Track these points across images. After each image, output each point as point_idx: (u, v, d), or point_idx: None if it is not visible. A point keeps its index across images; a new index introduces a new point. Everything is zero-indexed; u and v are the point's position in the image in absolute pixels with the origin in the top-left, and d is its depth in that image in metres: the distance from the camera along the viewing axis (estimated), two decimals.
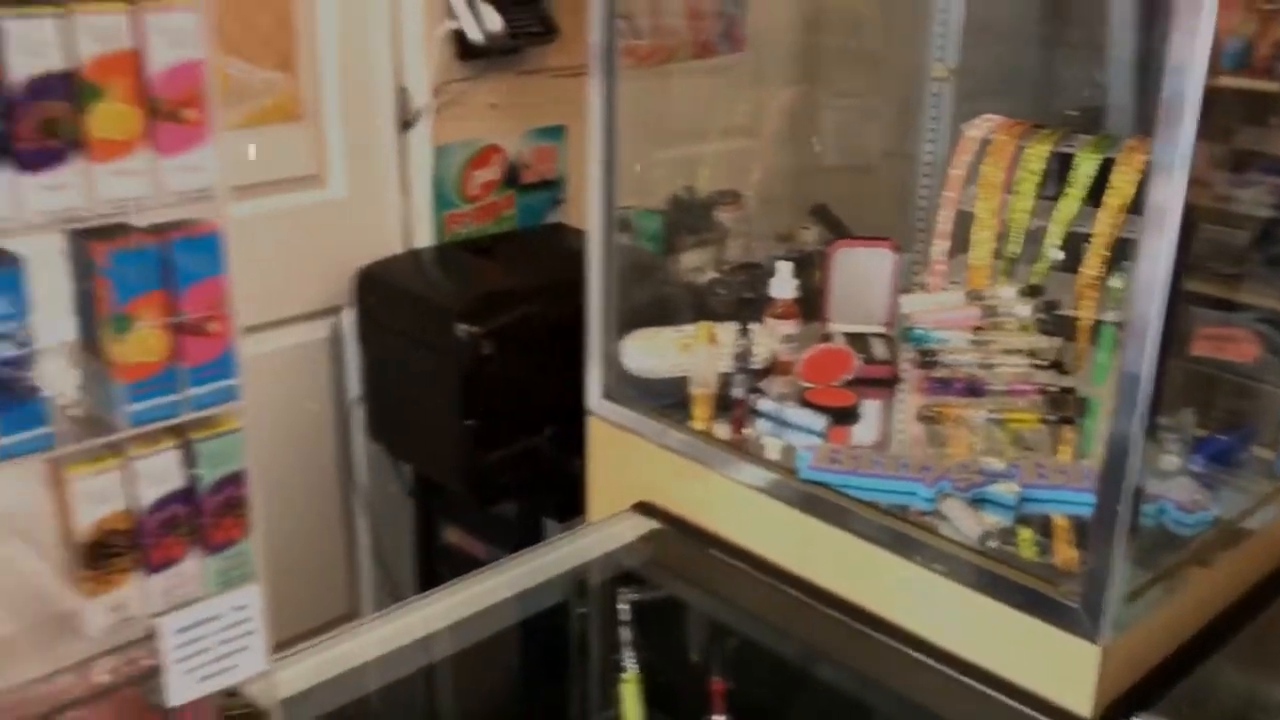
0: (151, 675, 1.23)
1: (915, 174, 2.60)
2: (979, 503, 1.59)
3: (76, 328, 1.19)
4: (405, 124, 2.56)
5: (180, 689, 1.24)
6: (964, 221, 2.10)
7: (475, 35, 2.47)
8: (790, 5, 2.85)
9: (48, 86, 1.05)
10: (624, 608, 1.80)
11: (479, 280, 2.48)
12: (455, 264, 2.58)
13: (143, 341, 1.15)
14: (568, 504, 2.24)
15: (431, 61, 2.49)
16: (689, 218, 2.52)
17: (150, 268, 1.14)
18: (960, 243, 2.12)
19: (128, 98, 1.09)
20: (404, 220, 2.62)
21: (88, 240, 1.14)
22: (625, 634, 1.80)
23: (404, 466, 2.65)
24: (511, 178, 2.71)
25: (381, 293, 2.49)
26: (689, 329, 2.00)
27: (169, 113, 1.12)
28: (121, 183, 1.11)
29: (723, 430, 1.87)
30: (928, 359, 1.97)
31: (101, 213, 1.11)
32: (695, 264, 2.43)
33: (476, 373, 2.29)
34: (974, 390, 1.87)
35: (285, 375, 2.49)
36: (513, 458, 2.37)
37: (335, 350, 2.59)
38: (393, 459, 2.64)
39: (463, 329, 2.26)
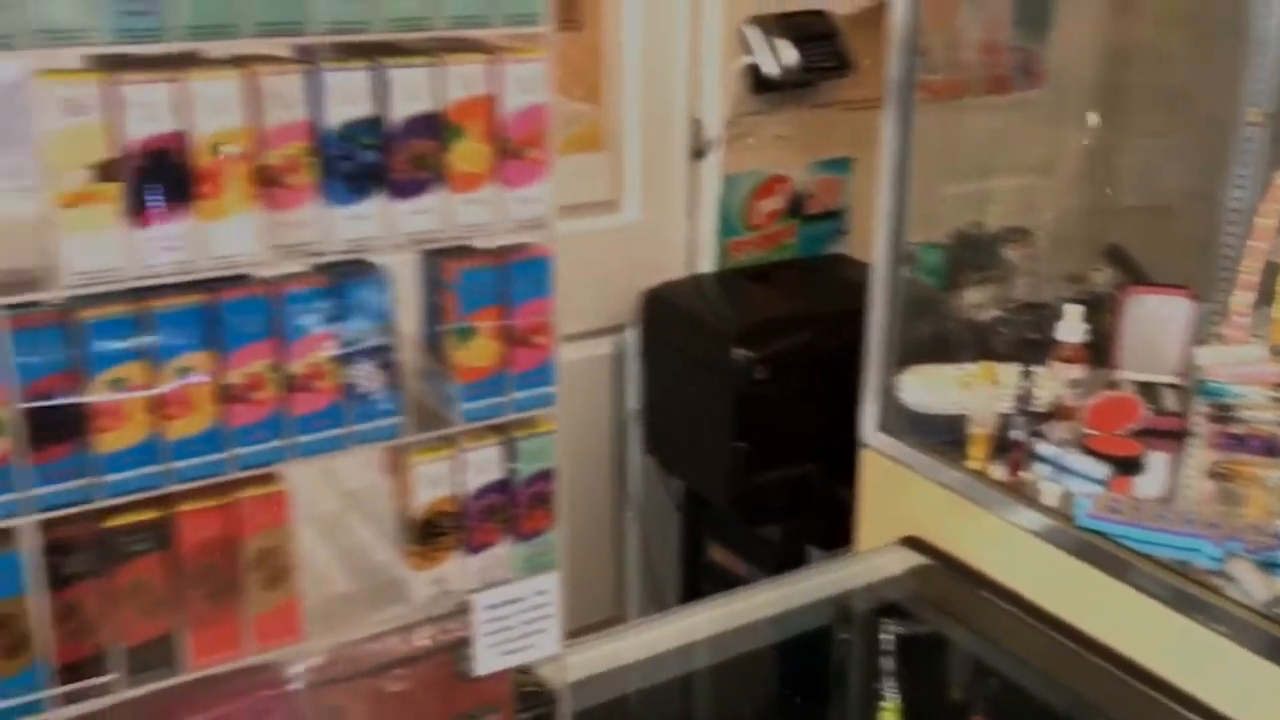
0: (462, 645, 1.41)
1: (1219, 220, 2.52)
2: (1271, 566, 1.56)
3: (423, 333, 1.39)
4: (697, 153, 2.72)
5: (485, 660, 1.42)
6: (1270, 272, 2.04)
7: (771, 70, 2.60)
8: (1094, 40, 2.82)
9: (420, 126, 1.25)
10: (887, 638, 1.86)
11: (758, 306, 2.60)
12: (736, 289, 2.71)
13: (479, 349, 1.33)
14: (832, 532, 2.32)
15: (726, 95, 2.64)
16: (974, 254, 2.54)
17: (490, 285, 1.33)
18: (1265, 295, 2.05)
19: (483, 137, 1.28)
20: (689, 245, 2.78)
21: (440, 259, 1.34)
22: (887, 664, 1.86)
23: (675, 481, 2.80)
24: (795, 208, 2.82)
25: (664, 314, 2.65)
26: (970, 367, 2.04)
27: (515, 150, 1.30)
28: (472, 210, 1.29)
29: (999, 471, 1.90)
30: (1223, 414, 1.92)
31: (454, 236, 1.30)
32: (978, 301, 2.45)
33: (751, 396, 2.40)
34: (1272, 449, 1.82)
35: (571, 387, 2.68)
36: (781, 481, 2.48)
37: (618, 366, 2.78)
38: (665, 473, 2.80)
39: (740, 353, 2.39)
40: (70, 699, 1.21)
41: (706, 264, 2.78)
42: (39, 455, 1.14)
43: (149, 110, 1.11)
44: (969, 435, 1.93)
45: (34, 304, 1.12)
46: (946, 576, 1.91)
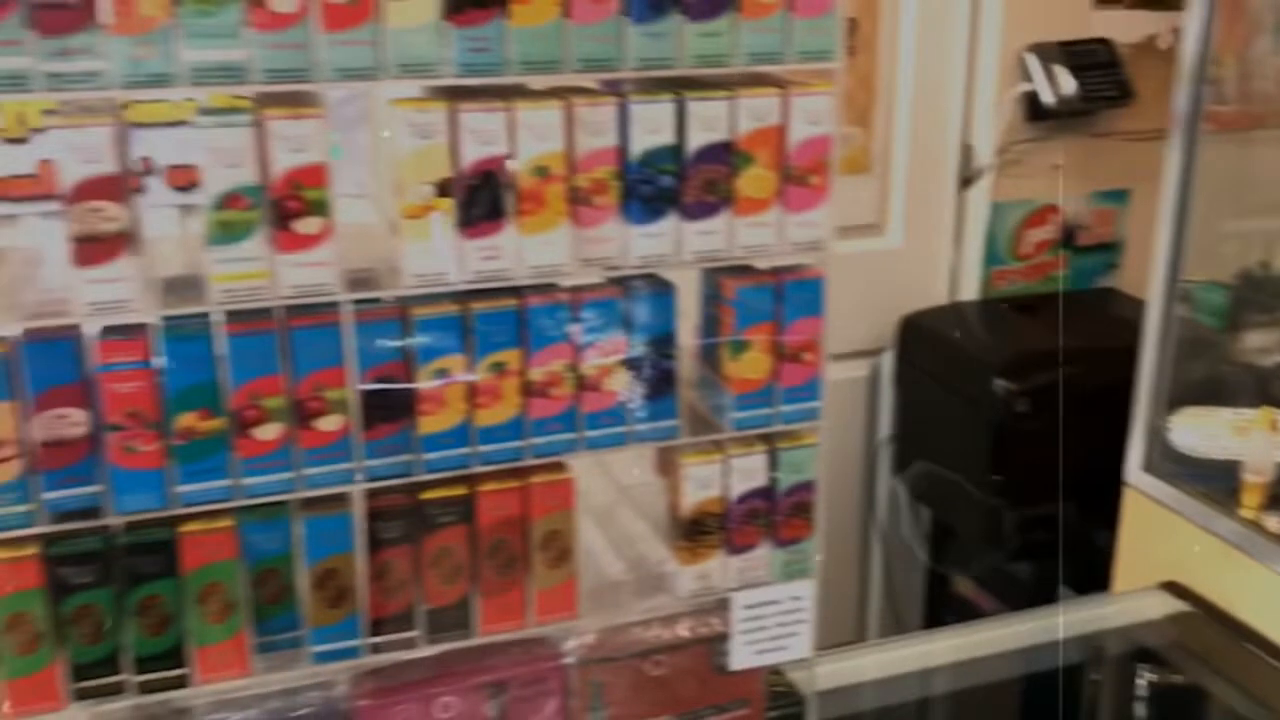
0: (719, 639, 1.53)
1: None
2: None
3: (701, 345, 1.52)
4: (966, 181, 2.76)
5: (740, 656, 1.53)
6: None
7: (1048, 98, 2.61)
8: None
9: (713, 154, 1.38)
10: (1142, 684, 1.86)
11: (1021, 338, 2.61)
12: (998, 320, 2.72)
13: (752, 362, 1.45)
14: (1085, 574, 2.30)
15: (1000, 122, 2.67)
16: (1260, 295, 2.46)
17: (766, 303, 1.44)
18: None
19: (770, 165, 1.40)
20: (952, 272, 2.82)
21: (721, 276, 1.46)
22: (1140, 711, 1.85)
23: (923, 509, 2.84)
24: (1066, 239, 2.81)
25: (923, 340, 2.70)
26: (1247, 413, 2.00)
27: (798, 177, 1.41)
28: (754, 232, 1.41)
29: (1274, 522, 1.85)
30: None
31: (736, 256, 1.42)
32: (1261, 345, 2.38)
33: (1010, 430, 2.42)
34: None
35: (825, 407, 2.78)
36: (1036, 519, 2.47)
37: (872, 389, 2.84)
38: (913, 500, 2.84)
39: (1000, 385, 2.41)
40: (377, 649, 1.41)
41: (969, 292, 2.81)
42: (370, 432, 1.33)
43: (483, 135, 1.28)
44: (1242, 483, 1.89)
45: (376, 300, 1.32)
46: (1209, 626, 1.88)
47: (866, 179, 2.75)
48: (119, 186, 1.18)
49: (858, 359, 2.82)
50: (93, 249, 1.19)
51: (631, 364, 1.41)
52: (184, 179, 2.13)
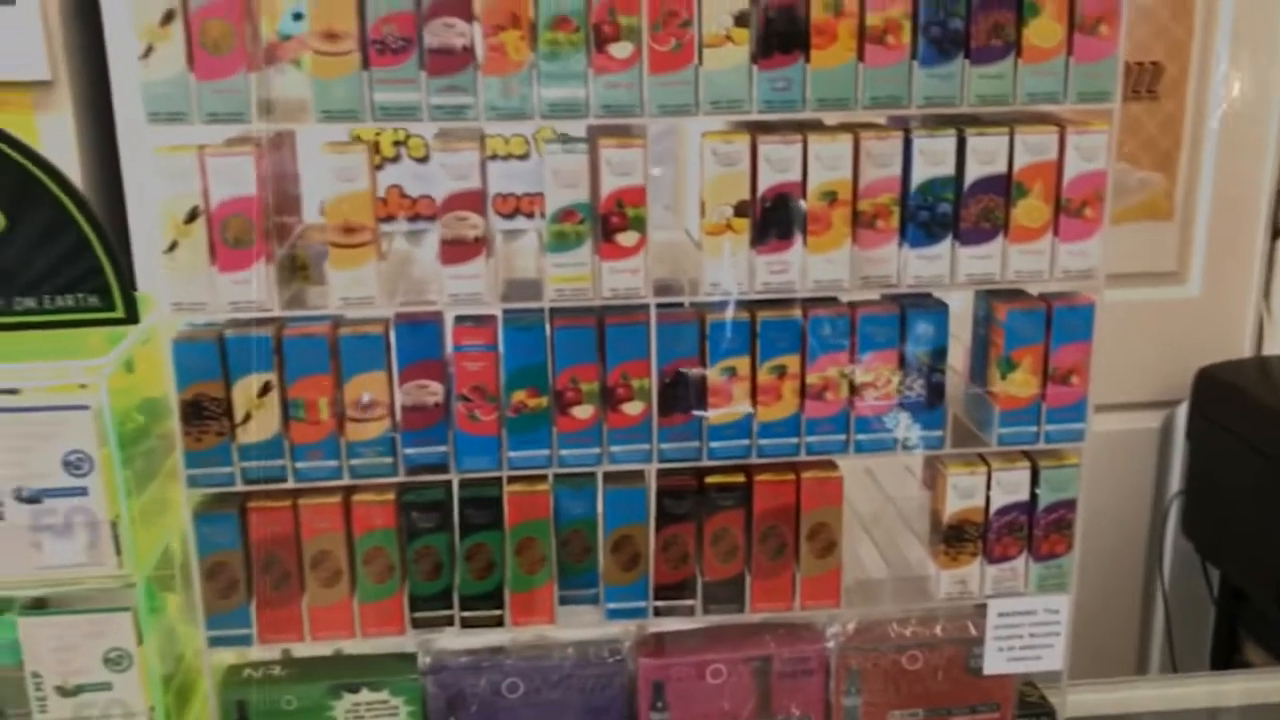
0: (973, 643, 1.68)
1: None
2: None
3: (970, 362, 1.69)
4: (1277, 231, 2.75)
5: (993, 661, 1.67)
6: None
7: None
8: None
9: (990, 185, 1.55)
10: None
11: None
12: None
13: (1020, 382, 1.60)
14: None
15: None
16: None
17: (1036, 327, 1.59)
18: None
19: (1044, 197, 1.56)
20: (1257, 326, 2.81)
21: (993, 299, 1.63)
22: None
23: (1213, 570, 2.82)
24: None
25: (1222, 394, 2.70)
26: None
27: (1072, 210, 1.56)
28: (1026, 259, 1.58)
29: None
30: None
31: (1008, 280, 1.59)
32: None
33: None
34: None
35: (1111, 456, 2.83)
36: None
37: (1164, 442, 2.86)
38: (1202, 560, 2.83)
39: None
40: (659, 613, 1.65)
41: (1276, 346, 2.79)
42: (665, 419, 1.59)
43: (778, 163, 1.52)
44: None
45: (678, 304, 1.58)
46: None
47: (1167, 225, 2.80)
48: (479, 200, 1.50)
49: (1150, 410, 2.86)
50: (456, 250, 1.51)
51: (903, 376, 1.60)
52: (508, 206, 2.49)
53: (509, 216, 2.50)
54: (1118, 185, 2.74)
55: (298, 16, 2.37)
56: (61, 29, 2.24)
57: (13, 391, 1.48)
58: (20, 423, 1.46)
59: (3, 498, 1.48)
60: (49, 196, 1.51)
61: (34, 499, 1.49)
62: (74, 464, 1.48)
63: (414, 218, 2.46)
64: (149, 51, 1.41)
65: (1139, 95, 2.71)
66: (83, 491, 1.49)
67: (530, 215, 2.46)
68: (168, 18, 1.40)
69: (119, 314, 1.57)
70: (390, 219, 2.46)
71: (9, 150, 1.49)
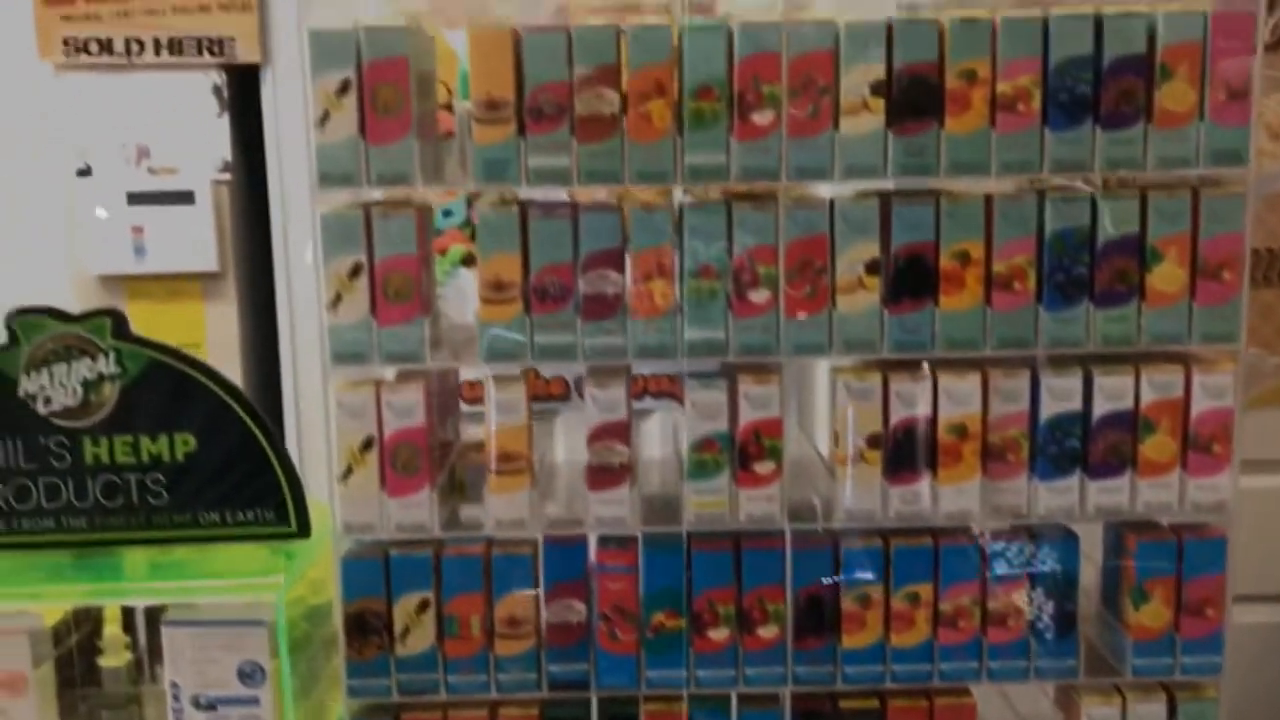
0: None
1: None
2: None
3: (1102, 590, 1.74)
4: None
5: None
6: None
7: None
8: None
9: (1116, 421, 1.63)
10: None
11: None
12: None
13: (1152, 612, 1.65)
14: None
15: None
16: None
17: (1167, 558, 1.65)
18: None
19: (1171, 433, 1.63)
20: None
21: (1123, 530, 1.69)
22: None
23: None
24: None
25: None
26: None
27: (1200, 445, 1.63)
28: (1156, 492, 1.64)
29: None
30: None
31: (1137, 514, 1.65)
32: None
33: None
34: None
35: (1237, 649, 2.77)
36: None
37: None
38: None
39: None
40: None
41: None
42: (800, 642, 1.67)
43: (908, 399, 1.63)
44: None
45: (812, 529, 1.67)
46: None
47: None
48: (625, 430, 1.63)
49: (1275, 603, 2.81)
50: (603, 477, 1.63)
51: (1034, 604, 1.66)
52: (635, 388, 2.61)
53: (637, 397, 2.62)
54: (1251, 370, 2.78)
55: (448, 214, 2.60)
56: (231, 225, 2.49)
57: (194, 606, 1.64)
58: (204, 636, 1.61)
59: (183, 705, 1.62)
60: (236, 420, 1.69)
61: (210, 706, 1.63)
62: (248, 674, 1.62)
63: (545, 398, 2.59)
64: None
65: (1270, 282, 2.76)
66: (254, 701, 1.62)
67: (657, 395, 2.56)
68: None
69: (292, 529, 1.73)
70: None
71: (202, 379, 1.68)
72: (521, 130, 1.57)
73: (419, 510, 1.64)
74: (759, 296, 1.60)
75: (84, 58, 2.42)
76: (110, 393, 1.68)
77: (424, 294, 1.62)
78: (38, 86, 2.45)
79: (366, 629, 1.66)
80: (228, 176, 2.47)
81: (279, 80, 2.45)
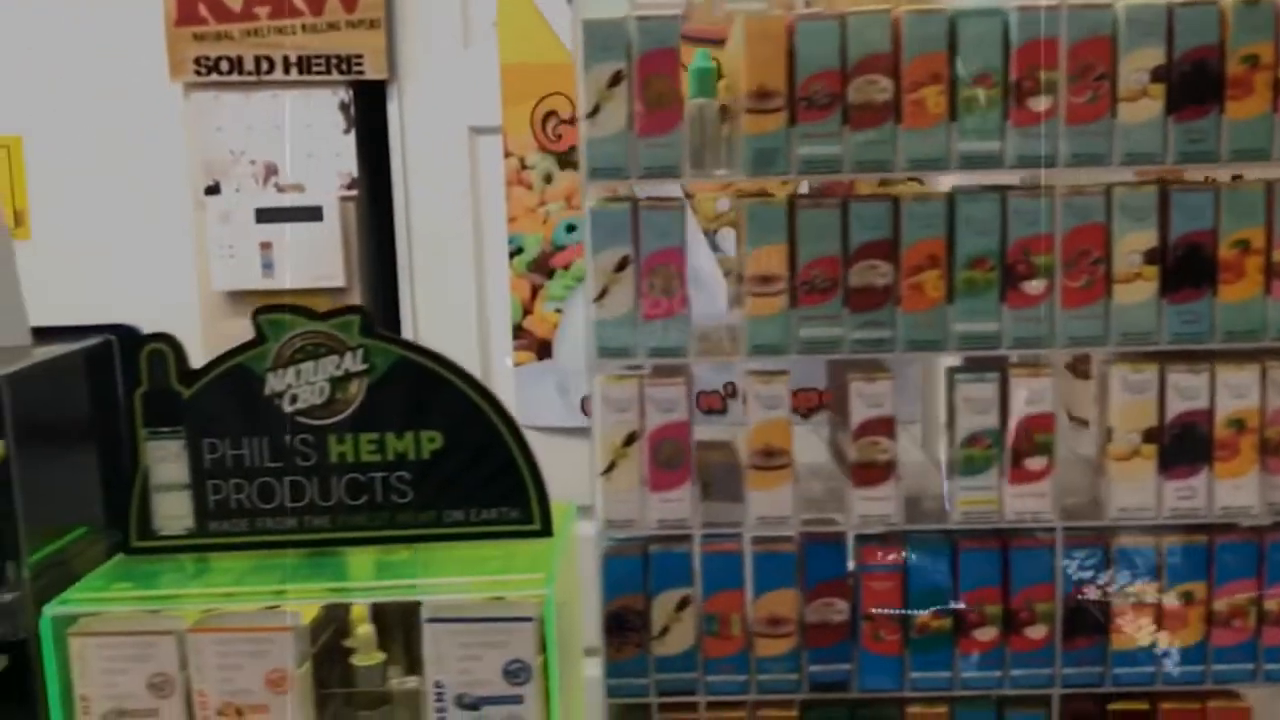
0: None
1: None
2: None
3: None
4: None
5: None
6: None
7: None
8: None
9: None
10: None
11: None
12: None
13: None
14: None
15: None
16: None
17: None
18: None
19: None
20: None
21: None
22: None
23: None
24: None
25: None
26: None
27: None
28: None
29: None
30: None
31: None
32: None
33: None
34: None
35: None
36: None
37: None
38: None
39: None
40: None
41: None
42: (1069, 643, 1.65)
43: (1186, 392, 1.61)
44: None
45: (1082, 528, 1.66)
46: None
47: None
48: (890, 426, 1.63)
49: None
50: (868, 473, 1.63)
51: None
52: None
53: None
54: None
55: (570, 229, 2.61)
56: (357, 240, 2.51)
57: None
58: (470, 634, 1.61)
59: (446, 705, 1.63)
60: (482, 418, 1.70)
61: (473, 706, 1.63)
62: (513, 673, 1.62)
63: (705, 411, 2.56)
64: (596, 110, 1.56)
65: None
66: (518, 700, 1.63)
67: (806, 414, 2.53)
68: (615, 79, 1.56)
69: (537, 527, 1.73)
70: None
71: (449, 375, 1.69)
72: (792, 120, 1.57)
73: (680, 506, 1.64)
74: (1033, 287, 1.59)
75: (215, 77, 2.46)
76: (357, 390, 1.69)
77: (686, 289, 1.62)
78: (168, 106, 2.48)
79: (625, 626, 1.66)
80: (354, 193, 2.49)
81: (404, 96, 2.47)
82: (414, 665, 1.72)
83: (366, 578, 1.74)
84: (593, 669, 1.74)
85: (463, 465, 1.70)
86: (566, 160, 2.43)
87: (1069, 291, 1.59)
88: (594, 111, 1.57)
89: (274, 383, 1.68)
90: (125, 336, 1.81)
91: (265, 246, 2.49)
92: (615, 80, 1.56)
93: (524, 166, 2.43)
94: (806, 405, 2.57)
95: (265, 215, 2.47)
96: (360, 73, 2.44)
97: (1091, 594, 1.65)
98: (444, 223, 2.49)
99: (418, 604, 1.74)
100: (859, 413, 1.62)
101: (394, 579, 1.74)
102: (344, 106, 2.49)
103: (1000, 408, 1.62)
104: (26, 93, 2.54)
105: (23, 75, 2.52)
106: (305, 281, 2.48)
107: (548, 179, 2.45)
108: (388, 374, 1.68)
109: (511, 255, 2.46)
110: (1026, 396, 1.61)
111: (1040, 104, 1.56)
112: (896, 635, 1.65)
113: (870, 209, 1.59)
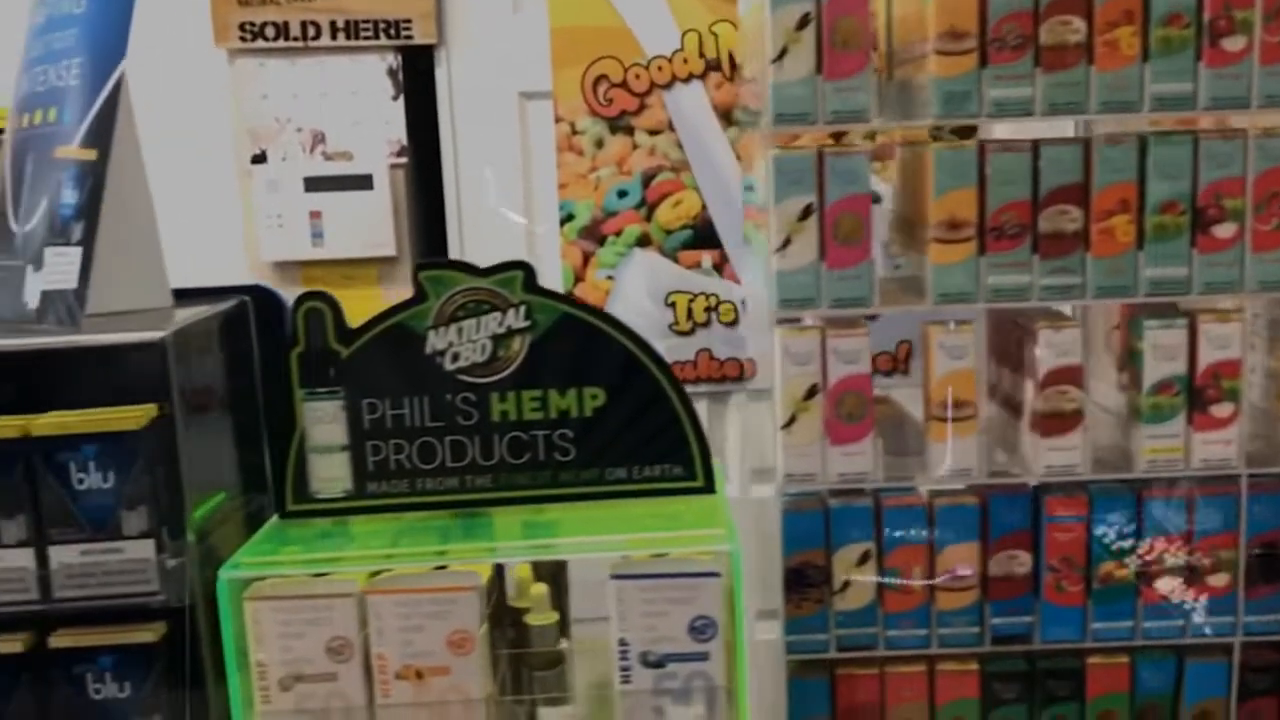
0: None
1: None
2: None
3: None
4: None
5: None
6: None
7: None
8: None
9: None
10: None
11: None
12: None
13: None
14: None
15: None
16: None
17: None
18: None
19: None
20: None
21: None
22: None
23: None
24: None
25: None
26: None
27: None
28: None
29: None
30: None
31: None
32: None
33: None
34: None
35: None
36: None
37: None
38: None
39: None
40: None
41: None
42: (1252, 590, 1.65)
43: None
44: None
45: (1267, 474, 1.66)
46: None
47: None
48: (1079, 374, 1.62)
49: None
50: (1054, 423, 1.62)
51: None
52: None
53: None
54: None
55: (622, 194, 2.58)
56: (407, 209, 2.47)
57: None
58: (656, 590, 1.60)
59: (631, 662, 1.61)
60: (647, 376, 1.67)
61: (659, 664, 1.62)
62: (699, 630, 1.61)
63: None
64: (782, 54, 1.54)
65: None
66: (703, 657, 1.61)
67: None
68: (803, 22, 1.53)
69: (700, 484, 1.71)
70: None
71: (612, 331, 1.67)
72: (983, 61, 1.55)
73: (861, 459, 1.63)
74: (1224, 231, 1.58)
75: (260, 43, 2.40)
76: (519, 347, 1.66)
77: (871, 237, 1.60)
78: (213, 73, 2.43)
79: (805, 581, 1.65)
80: (403, 160, 2.45)
81: (453, 61, 2.42)
82: (562, 626, 1.71)
83: (517, 538, 1.73)
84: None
85: (626, 422, 1.67)
86: (617, 125, 2.40)
87: (1260, 235, 1.58)
88: (780, 55, 1.54)
89: (435, 341, 1.65)
90: (260, 298, 1.78)
91: (314, 215, 2.44)
92: (803, 23, 1.53)
93: (574, 132, 2.39)
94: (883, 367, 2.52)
95: (314, 184, 2.42)
96: (409, 37, 2.39)
97: (1276, 542, 1.65)
98: (494, 190, 2.45)
99: (563, 563, 1.74)
100: (1046, 361, 1.61)
101: (545, 539, 1.72)
102: (392, 72, 2.44)
103: (1189, 353, 1.61)
104: None
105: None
106: (356, 251, 2.45)
107: (599, 144, 2.42)
108: (550, 330, 1.64)
109: (562, 222, 2.43)
110: (1215, 342, 1.60)
111: (1235, 44, 1.54)
112: (1079, 586, 1.65)
113: (1062, 153, 1.57)
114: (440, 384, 1.64)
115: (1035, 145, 1.58)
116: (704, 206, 2.42)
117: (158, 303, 1.70)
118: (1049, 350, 1.61)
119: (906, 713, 1.68)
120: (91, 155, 1.63)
